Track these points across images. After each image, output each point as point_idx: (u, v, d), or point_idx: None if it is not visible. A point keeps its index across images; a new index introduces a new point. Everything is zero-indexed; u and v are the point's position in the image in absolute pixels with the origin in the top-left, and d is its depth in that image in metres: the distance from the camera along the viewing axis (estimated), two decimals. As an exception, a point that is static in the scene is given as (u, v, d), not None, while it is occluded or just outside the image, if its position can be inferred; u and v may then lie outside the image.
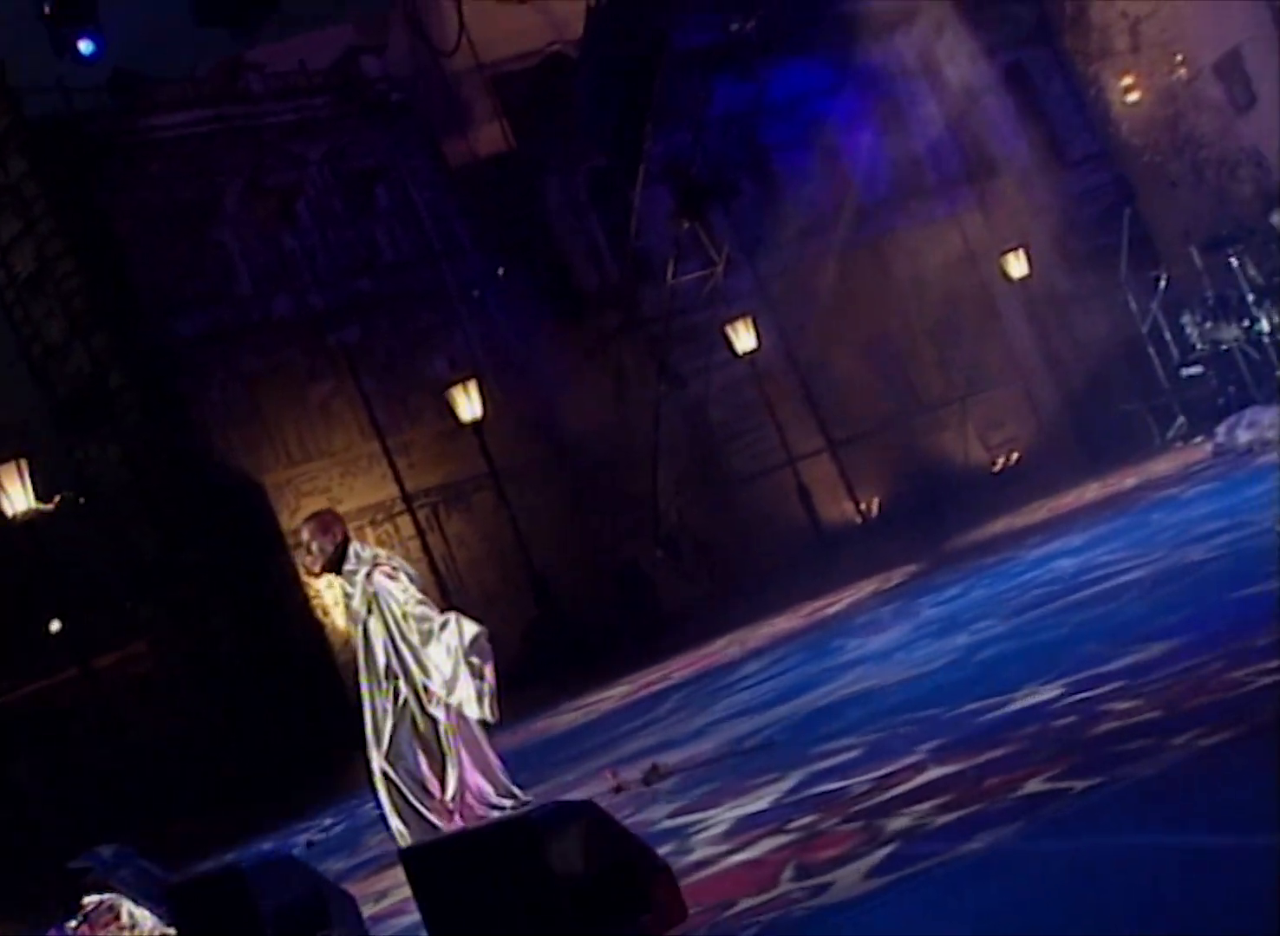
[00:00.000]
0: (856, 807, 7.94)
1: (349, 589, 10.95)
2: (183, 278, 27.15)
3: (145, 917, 10.36)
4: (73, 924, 10.54)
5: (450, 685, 10.74)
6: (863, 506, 30.01)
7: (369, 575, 10.81)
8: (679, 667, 19.57)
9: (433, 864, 6.73)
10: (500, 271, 28.48)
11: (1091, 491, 21.86)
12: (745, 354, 28.73)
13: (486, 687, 10.79)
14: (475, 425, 26.27)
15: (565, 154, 30.29)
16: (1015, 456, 30.73)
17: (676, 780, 10.59)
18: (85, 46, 24.54)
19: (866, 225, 31.50)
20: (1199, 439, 22.21)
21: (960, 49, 31.73)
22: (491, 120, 30.75)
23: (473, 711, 10.81)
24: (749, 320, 28.82)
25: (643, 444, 28.72)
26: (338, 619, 27.08)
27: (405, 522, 27.72)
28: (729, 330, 28.74)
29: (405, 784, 10.81)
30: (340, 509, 26.99)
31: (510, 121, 30.60)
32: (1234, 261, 22.65)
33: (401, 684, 10.85)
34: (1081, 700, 8.62)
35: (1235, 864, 5.13)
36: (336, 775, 22.05)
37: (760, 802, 8.82)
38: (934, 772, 8.19)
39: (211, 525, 26.73)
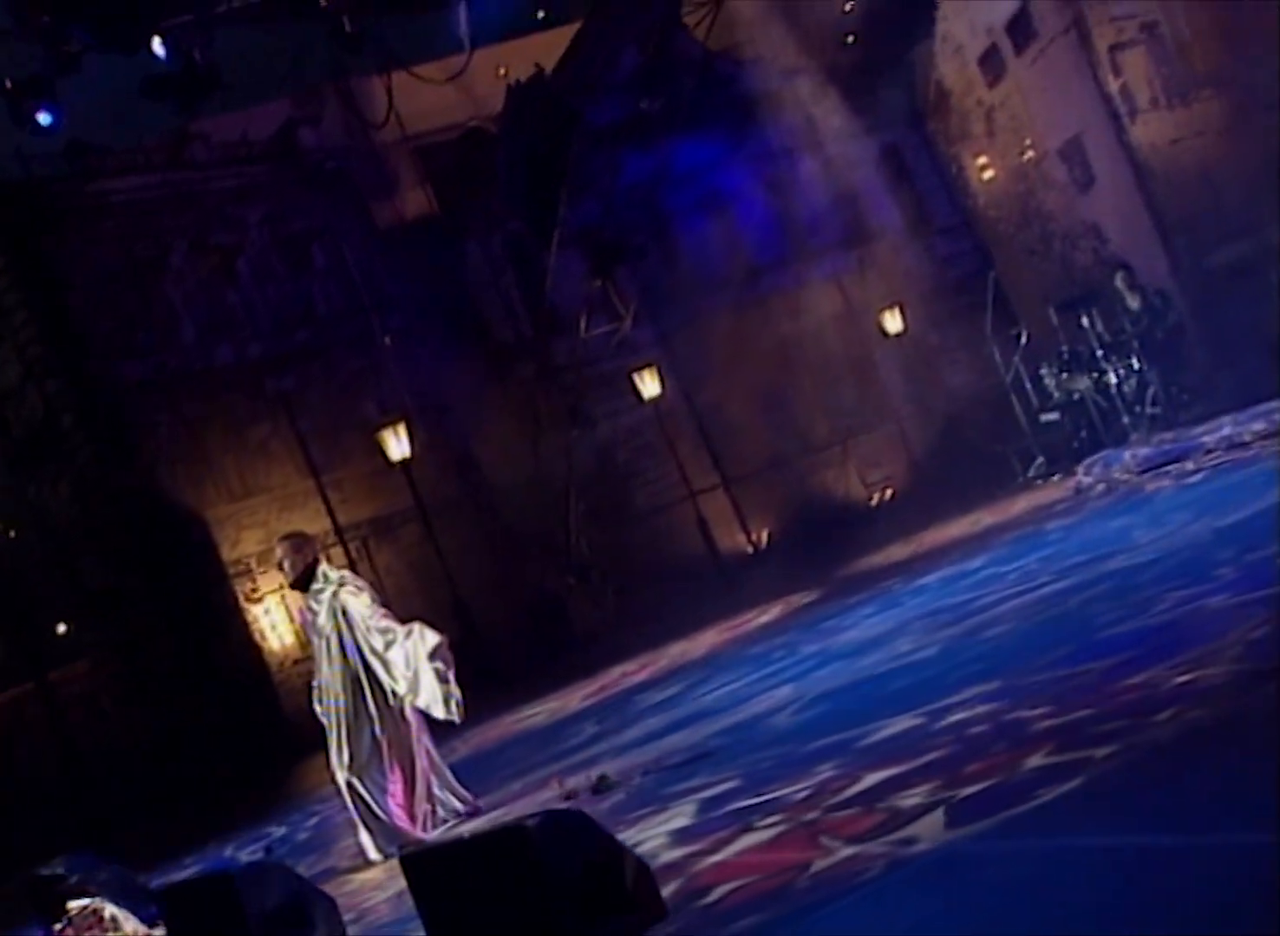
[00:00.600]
0: (797, 817, 7.67)
1: (315, 606, 10.83)
2: (131, 328, 27.06)
3: (127, 920, 10.18)
4: (58, 927, 10.25)
5: (414, 688, 10.64)
6: (754, 538, 30.05)
7: (335, 594, 10.73)
8: (592, 688, 19.07)
9: (432, 868, 6.62)
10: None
11: (967, 524, 21.47)
12: (650, 399, 28.79)
13: (451, 691, 10.70)
14: (404, 464, 26.10)
15: (484, 218, 30.36)
16: (890, 492, 30.88)
17: (623, 789, 10.21)
18: (43, 118, 24.39)
19: (757, 284, 31.71)
20: (1056, 477, 22.28)
21: (841, 129, 31.90)
22: (417, 187, 31.07)
23: (439, 713, 10.70)
24: (653, 369, 28.89)
25: (556, 481, 28.75)
26: (273, 643, 27.04)
27: (338, 554, 27.20)
28: (636, 378, 28.80)
29: (371, 794, 10.70)
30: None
31: (434, 188, 31.01)
32: (1085, 320, 22.75)
33: (367, 694, 10.71)
34: (993, 710, 8.40)
35: (1180, 863, 4.99)
36: (270, 786, 22.28)
37: (701, 812, 8.51)
38: (870, 780, 7.93)
39: (157, 556, 26.54)
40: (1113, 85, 29.57)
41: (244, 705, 26.22)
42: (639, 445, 29.87)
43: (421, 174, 30.93)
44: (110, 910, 10.19)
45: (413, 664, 10.62)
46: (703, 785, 9.26)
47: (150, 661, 26.44)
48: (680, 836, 8.16)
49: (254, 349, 28.09)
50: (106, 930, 10.04)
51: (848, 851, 6.59)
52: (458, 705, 10.69)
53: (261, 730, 25.85)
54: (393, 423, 26.46)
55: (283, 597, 27.27)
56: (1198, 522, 12.58)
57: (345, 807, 10.87)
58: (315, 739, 24.58)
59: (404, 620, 10.81)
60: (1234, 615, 8.33)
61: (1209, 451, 17.08)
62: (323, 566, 10.93)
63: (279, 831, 15.56)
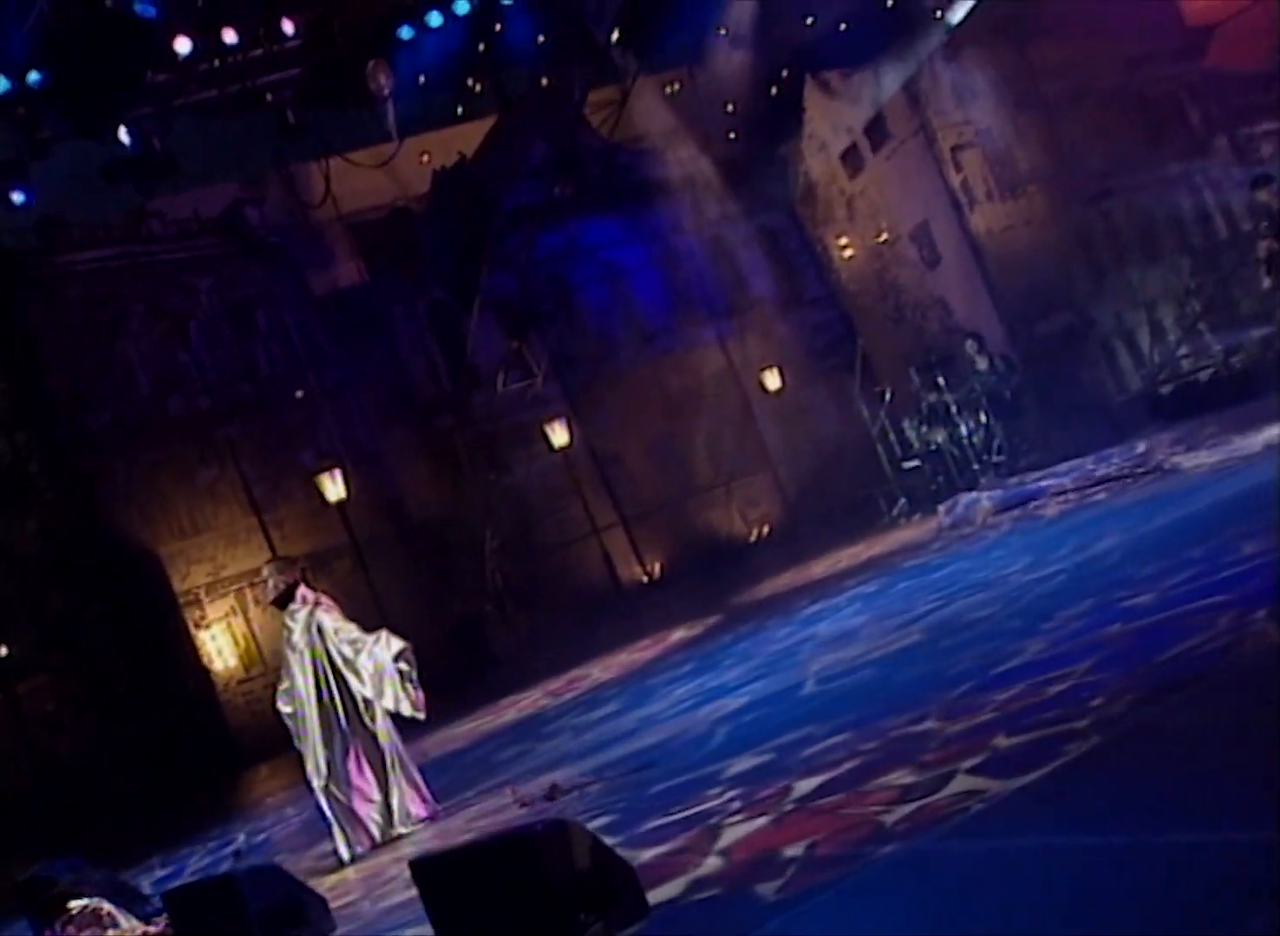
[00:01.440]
0: (755, 821, 7.32)
1: (291, 624, 10.64)
2: (93, 383, 26.67)
3: (124, 917, 9.91)
4: (60, 925, 9.89)
5: (380, 690, 10.49)
6: (649, 569, 29.93)
7: (311, 612, 10.61)
8: (511, 706, 18.64)
9: (440, 872, 6.41)
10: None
11: (844, 558, 21.13)
12: (559, 448, 28.56)
13: (414, 690, 10.57)
14: (339, 504, 25.71)
15: (410, 287, 30.17)
16: (767, 529, 30.83)
17: (574, 797, 9.84)
18: (17, 197, 24.06)
19: (650, 347, 31.79)
20: (917, 516, 22.38)
21: (724, 212, 32.27)
22: (349, 259, 30.90)
23: (406, 710, 10.55)
24: (562, 420, 28.74)
25: (474, 519, 28.57)
26: (219, 665, 26.53)
27: None
28: (546, 428, 28.61)
29: (346, 797, 10.49)
30: (223, 574, 26.74)
31: (364, 260, 30.83)
32: (941, 380, 22.93)
33: (338, 704, 10.52)
34: (913, 719, 8.13)
35: (1128, 861, 4.82)
36: (216, 794, 21.95)
37: (661, 817, 8.16)
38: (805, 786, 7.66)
39: (114, 586, 26.25)
40: (954, 180, 29.98)
41: (192, 721, 25.81)
42: (548, 487, 29.52)
43: (353, 248, 30.76)
44: (108, 908, 9.96)
45: (379, 667, 10.46)
46: (656, 788, 8.99)
47: (107, 681, 25.93)
48: (638, 841, 7.89)
49: (203, 402, 27.70)
50: (105, 927, 9.79)
51: (801, 852, 6.36)
52: (421, 703, 10.56)
53: (208, 743, 25.45)
54: (329, 468, 26.07)
55: (228, 625, 26.97)
56: (1060, 554, 12.42)
57: (320, 810, 10.59)
58: (257, 751, 24.54)
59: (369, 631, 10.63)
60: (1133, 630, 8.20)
61: (1057, 494, 17.06)
62: (301, 589, 10.77)
63: (239, 837, 14.88)
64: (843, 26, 27.98)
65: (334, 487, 25.85)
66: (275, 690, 10.94)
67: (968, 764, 6.84)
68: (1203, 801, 5.11)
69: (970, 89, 29.47)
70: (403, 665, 10.53)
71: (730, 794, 8.08)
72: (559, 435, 28.70)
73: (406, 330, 30.38)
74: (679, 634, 19.75)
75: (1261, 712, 5.96)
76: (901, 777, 7.00)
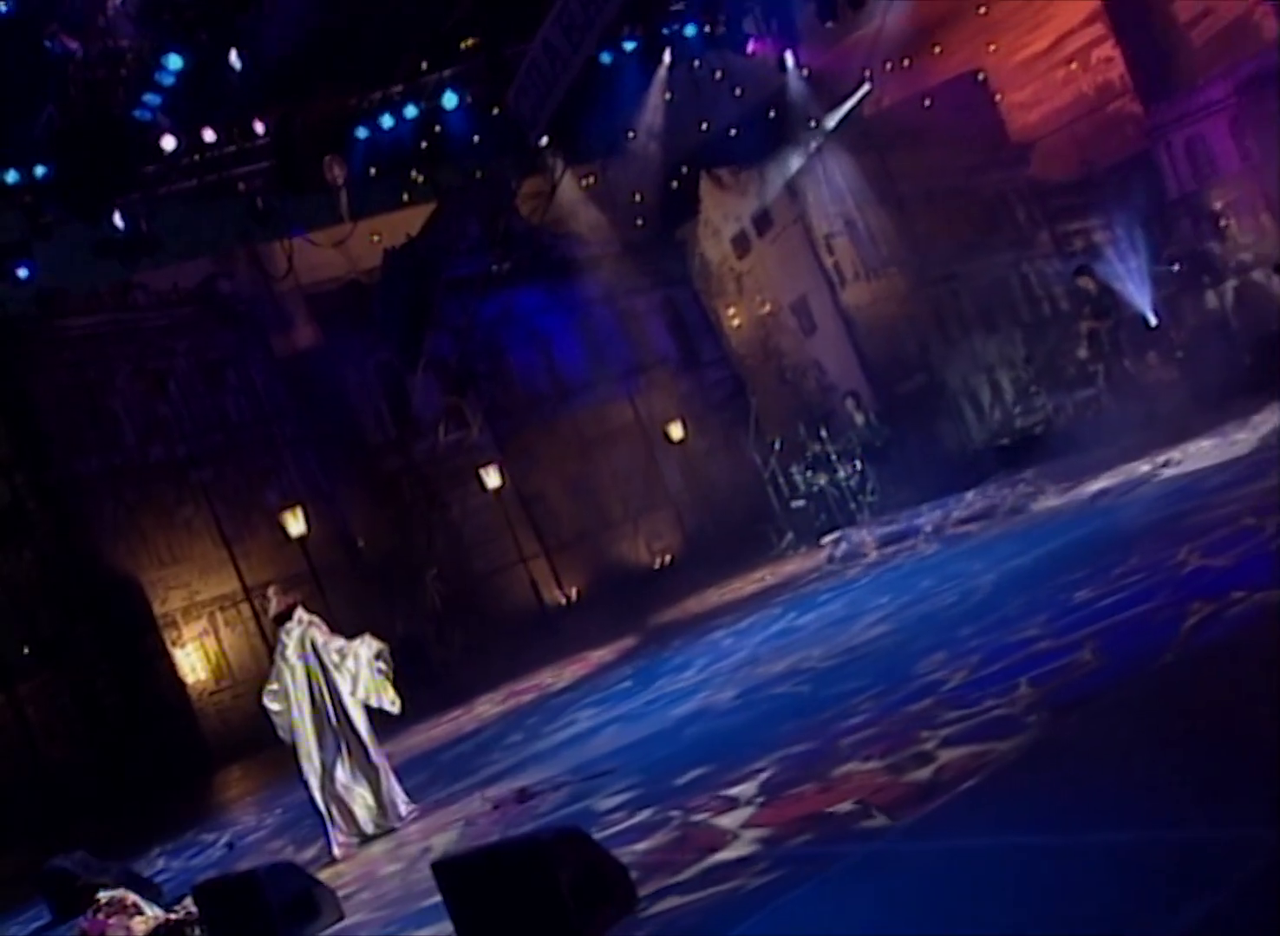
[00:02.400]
0: (706, 827, 6.96)
1: (286, 639, 10.45)
2: (83, 432, 26.67)
3: (148, 906, 9.71)
4: (92, 913, 9.65)
5: (358, 685, 10.33)
6: (567, 594, 29.84)
7: (305, 630, 10.46)
8: (450, 719, 17.93)
9: (461, 874, 6.22)
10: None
11: (744, 584, 20.61)
12: (492, 489, 28.53)
13: (391, 687, 10.43)
14: (300, 538, 25.56)
15: (361, 349, 30.19)
16: (669, 558, 30.88)
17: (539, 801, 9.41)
18: (22, 272, 24.25)
19: (570, 401, 31.95)
20: (803, 549, 21.92)
21: (633, 286, 32.70)
22: (307, 325, 30.91)
23: (387, 705, 10.43)
24: (494, 465, 28.74)
25: (417, 550, 28.52)
26: (192, 679, 26.51)
27: (245, 608, 27.16)
28: (481, 472, 28.55)
29: (339, 796, 10.31)
30: (197, 599, 26.67)
31: (320, 326, 30.83)
32: (823, 432, 23.02)
33: (330, 710, 10.34)
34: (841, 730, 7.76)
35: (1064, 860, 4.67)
36: (191, 793, 21.77)
37: (623, 821, 7.81)
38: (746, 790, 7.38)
39: (100, 609, 26.15)
40: (828, 262, 30.63)
41: (168, 729, 25.72)
42: (481, 522, 29.47)
43: (311, 315, 30.73)
44: (132, 897, 9.76)
45: (361, 666, 10.37)
46: (614, 795, 8.55)
47: (93, 692, 25.81)
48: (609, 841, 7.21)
49: (180, 449, 27.68)
50: (132, 915, 9.54)
51: (754, 850, 6.17)
52: (397, 697, 10.44)
53: (183, 747, 25.37)
54: (291, 507, 25.89)
55: (201, 643, 26.91)
56: (945, 584, 11.98)
57: (315, 808, 10.38)
58: (227, 753, 24.76)
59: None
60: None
61: (936, 528, 16.84)
62: (299, 611, 10.63)
63: (227, 834, 14.58)
64: (733, 131, 28.28)
65: (296, 524, 25.73)
66: (261, 690, 10.75)
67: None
68: (1124, 804, 5.01)
69: (840, 187, 29.81)
70: (381, 664, 10.44)
71: (693, 795, 7.74)
72: (491, 478, 28.65)
73: (357, 386, 30.40)
74: (600, 653, 19.06)
75: (1163, 724, 5.89)
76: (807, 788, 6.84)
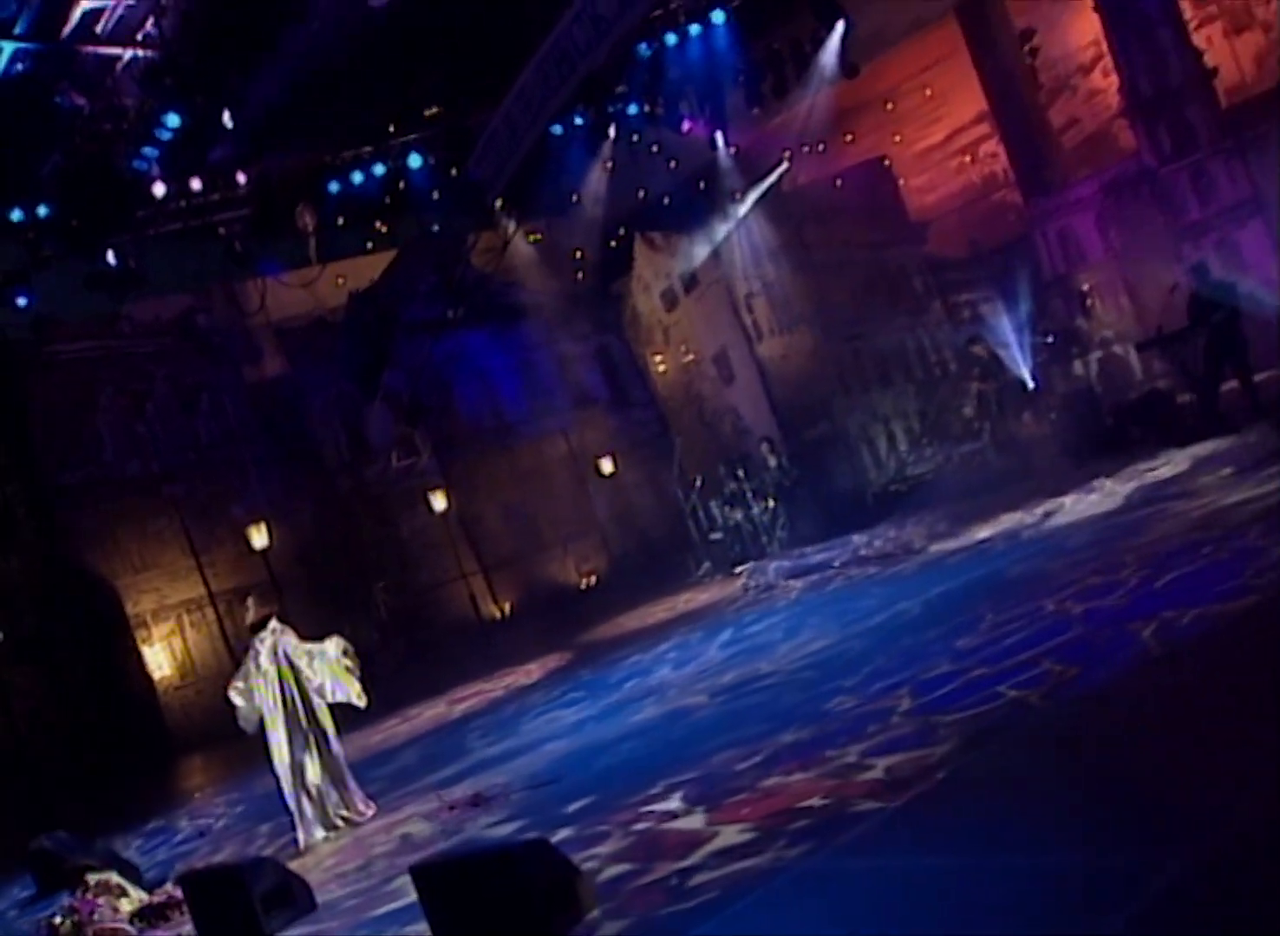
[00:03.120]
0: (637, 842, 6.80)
1: (259, 646, 10.33)
2: (70, 447, 26.55)
3: (132, 887, 9.57)
4: (80, 893, 9.50)
5: (324, 682, 10.26)
6: (502, 608, 30.08)
7: (277, 639, 10.37)
8: (392, 725, 17.15)
9: (438, 879, 6.12)
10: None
11: (664, 609, 20.47)
12: (438, 511, 28.90)
13: (358, 682, 10.38)
14: (263, 551, 25.93)
15: (323, 380, 30.31)
16: (595, 580, 31.22)
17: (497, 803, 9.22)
18: (21, 301, 24.45)
19: (510, 434, 32.12)
20: (719, 577, 22.03)
21: (571, 332, 33.05)
22: (275, 356, 31.06)
23: (354, 700, 10.34)
24: (440, 490, 29.10)
25: (367, 564, 28.78)
26: (159, 674, 26.46)
27: (209, 612, 27.11)
28: (429, 496, 28.91)
29: (311, 794, 10.20)
30: (166, 603, 26.61)
31: (287, 358, 30.97)
32: (740, 472, 23.32)
33: (300, 712, 10.22)
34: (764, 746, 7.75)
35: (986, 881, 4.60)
36: (155, 779, 21.80)
37: (567, 832, 7.52)
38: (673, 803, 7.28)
39: (78, 609, 26.12)
40: (746, 319, 31.23)
41: (136, 719, 25.72)
42: (426, 541, 29.68)
43: (279, 348, 30.79)
44: (117, 879, 9.61)
45: (329, 664, 10.33)
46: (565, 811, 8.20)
47: (70, 685, 25.64)
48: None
49: (155, 465, 27.59)
50: (117, 896, 9.38)
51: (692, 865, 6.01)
52: (364, 692, 10.39)
53: (148, 738, 25.41)
54: (256, 521, 26.27)
55: (169, 643, 26.78)
56: (854, 617, 11.89)
57: (284, 802, 10.25)
58: (189, 743, 24.89)
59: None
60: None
61: (842, 564, 16.89)
62: (273, 621, 10.53)
63: (195, 822, 14.21)
64: (666, 199, 28.85)
65: (259, 537, 26.11)
66: (226, 683, 10.63)
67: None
68: (1030, 831, 4.96)
69: (760, 252, 30.38)
70: (347, 662, 10.40)
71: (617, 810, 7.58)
72: (438, 501, 28.94)
73: (319, 414, 30.43)
74: (533, 667, 18.59)
75: (1066, 757, 5.86)
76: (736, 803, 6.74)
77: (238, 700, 10.35)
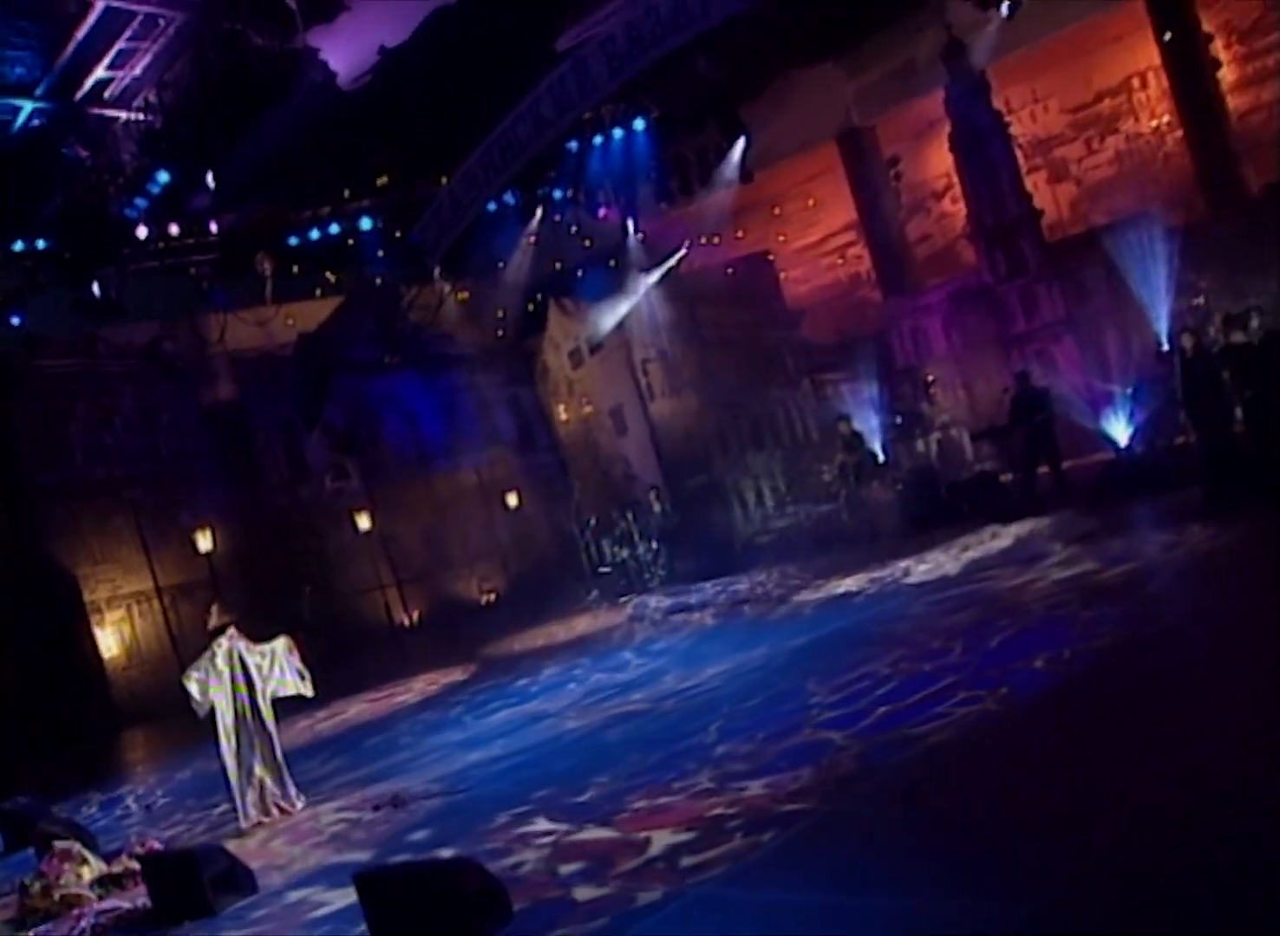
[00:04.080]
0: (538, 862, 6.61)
1: (216, 649, 10.42)
2: (46, 452, 27.14)
3: (91, 856, 9.46)
4: (47, 857, 9.45)
5: (274, 673, 10.44)
6: (411, 617, 30.65)
7: (233, 644, 10.56)
8: (309, 724, 16.93)
9: (378, 887, 6.14)
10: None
11: (557, 632, 20.38)
12: (362, 530, 29.75)
13: (305, 674, 10.58)
14: (207, 554, 26.74)
15: (268, 407, 30.87)
16: (494, 597, 31.79)
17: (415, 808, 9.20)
18: (15, 320, 25.63)
19: (430, 467, 32.52)
20: (605, 605, 22.45)
21: (488, 381, 33.70)
22: (229, 384, 31.23)
23: (304, 691, 10.60)
24: (365, 511, 29.89)
25: (297, 571, 29.25)
26: (110, 655, 27.08)
27: (156, 604, 27.83)
28: (355, 516, 29.73)
29: (254, 784, 10.31)
30: (119, 593, 27.58)
31: (239, 385, 31.21)
32: (629, 515, 24.19)
33: (248, 713, 10.30)
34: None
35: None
36: (104, 755, 22.35)
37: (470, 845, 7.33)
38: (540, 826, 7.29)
39: (41, 596, 26.73)
40: (642, 380, 31.65)
41: (87, 695, 26.25)
42: (349, 554, 30.28)
43: (233, 376, 31.19)
44: (78, 848, 9.49)
45: (276, 658, 10.52)
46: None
47: (30, 662, 26.16)
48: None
49: (119, 471, 28.15)
50: (79, 863, 9.25)
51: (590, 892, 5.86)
52: (312, 682, 10.61)
53: (97, 711, 26.02)
54: (203, 527, 27.08)
55: (119, 628, 27.48)
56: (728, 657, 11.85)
57: (229, 788, 10.35)
58: (133, 718, 25.80)
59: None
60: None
61: (716, 607, 17.18)
62: (231, 629, 10.66)
63: (141, 798, 14.05)
64: (580, 272, 30.78)
65: (204, 541, 26.82)
66: (181, 674, 10.85)
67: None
68: (885, 874, 4.91)
69: (657, 325, 31.27)
70: (294, 657, 10.58)
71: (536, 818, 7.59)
72: (363, 521, 29.70)
73: (263, 436, 30.96)
74: (440, 677, 18.49)
75: (907, 808, 5.78)
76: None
77: (193, 689, 10.38)
